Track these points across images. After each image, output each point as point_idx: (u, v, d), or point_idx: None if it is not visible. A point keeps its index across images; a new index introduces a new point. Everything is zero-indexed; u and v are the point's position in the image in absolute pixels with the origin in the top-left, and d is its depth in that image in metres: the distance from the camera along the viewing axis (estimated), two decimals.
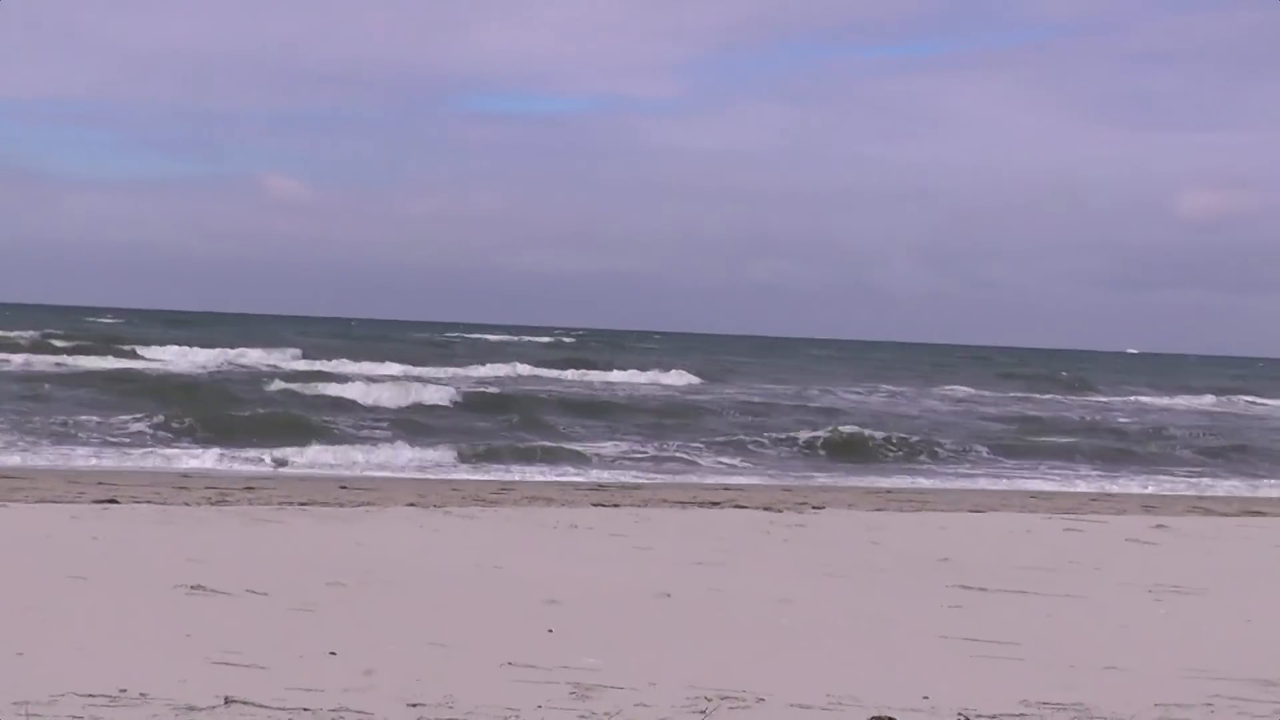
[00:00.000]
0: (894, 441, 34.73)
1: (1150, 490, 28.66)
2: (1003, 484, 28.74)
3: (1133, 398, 65.48)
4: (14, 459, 24.39)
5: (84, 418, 31.06)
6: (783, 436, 34.82)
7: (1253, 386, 77.79)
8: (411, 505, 18.47)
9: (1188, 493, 28.44)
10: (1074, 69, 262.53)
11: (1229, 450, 38.91)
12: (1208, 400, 66.76)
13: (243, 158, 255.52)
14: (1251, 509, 23.82)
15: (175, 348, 59.82)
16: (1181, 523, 20.21)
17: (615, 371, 62.57)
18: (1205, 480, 31.65)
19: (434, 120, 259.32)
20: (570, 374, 60.24)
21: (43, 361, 49.60)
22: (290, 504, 17.96)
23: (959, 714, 7.62)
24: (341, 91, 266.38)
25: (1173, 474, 32.80)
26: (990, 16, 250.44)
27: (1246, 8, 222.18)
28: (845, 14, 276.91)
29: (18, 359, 49.72)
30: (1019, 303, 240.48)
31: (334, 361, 56.68)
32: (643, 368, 63.99)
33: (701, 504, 20.57)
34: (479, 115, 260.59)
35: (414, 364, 58.05)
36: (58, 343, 58.49)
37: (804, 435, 34.89)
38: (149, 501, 17.61)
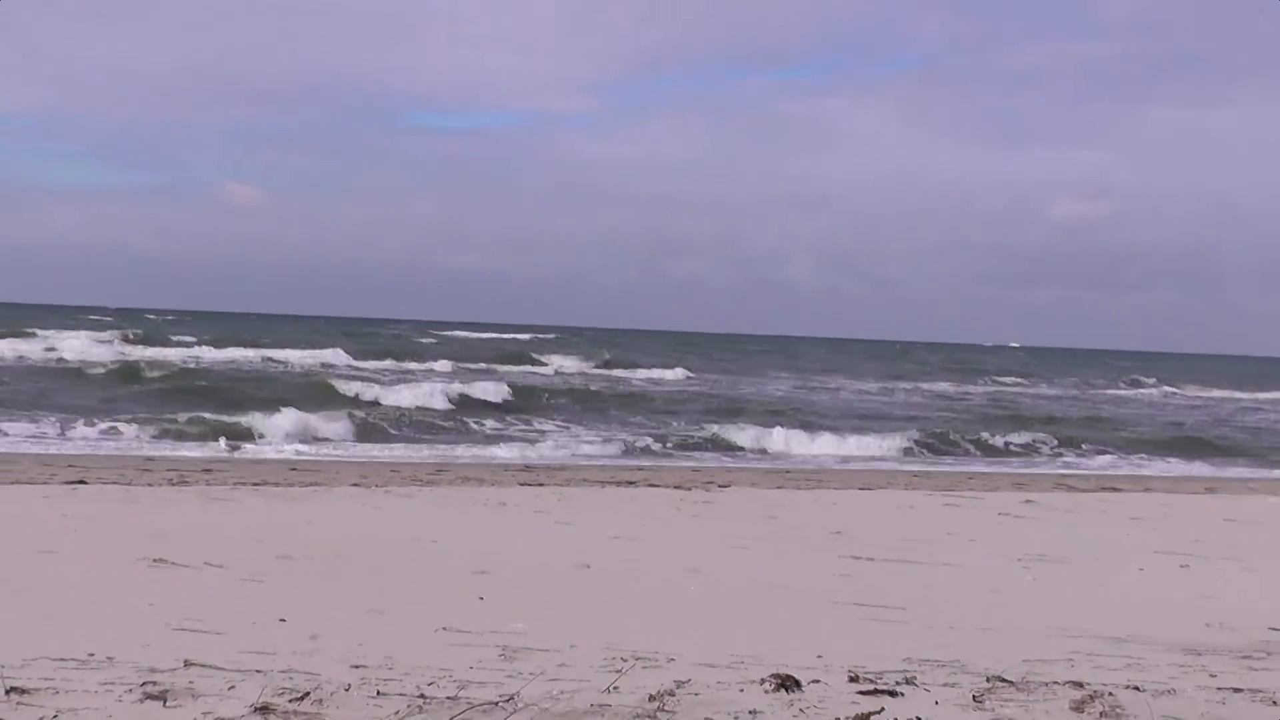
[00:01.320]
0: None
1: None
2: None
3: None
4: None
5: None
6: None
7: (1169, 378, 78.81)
8: (355, 485, 18.41)
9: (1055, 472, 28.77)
10: (951, 92, 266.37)
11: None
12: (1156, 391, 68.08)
13: (203, 167, 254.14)
14: (1108, 485, 24.16)
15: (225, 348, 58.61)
16: (1048, 498, 20.47)
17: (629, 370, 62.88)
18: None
19: (378, 134, 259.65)
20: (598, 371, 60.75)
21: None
22: (244, 484, 17.86)
23: (849, 671, 7.68)
24: (294, 107, 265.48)
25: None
26: (875, 46, 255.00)
27: (1098, 38, 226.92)
28: (748, 41, 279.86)
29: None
30: (911, 299, 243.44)
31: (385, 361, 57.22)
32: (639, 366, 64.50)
33: (619, 483, 20.61)
34: (418, 129, 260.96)
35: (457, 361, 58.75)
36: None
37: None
38: (115, 482, 17.46)
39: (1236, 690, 7.60)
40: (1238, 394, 67.38)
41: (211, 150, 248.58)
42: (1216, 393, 67.58)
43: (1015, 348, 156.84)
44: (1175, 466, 31.31)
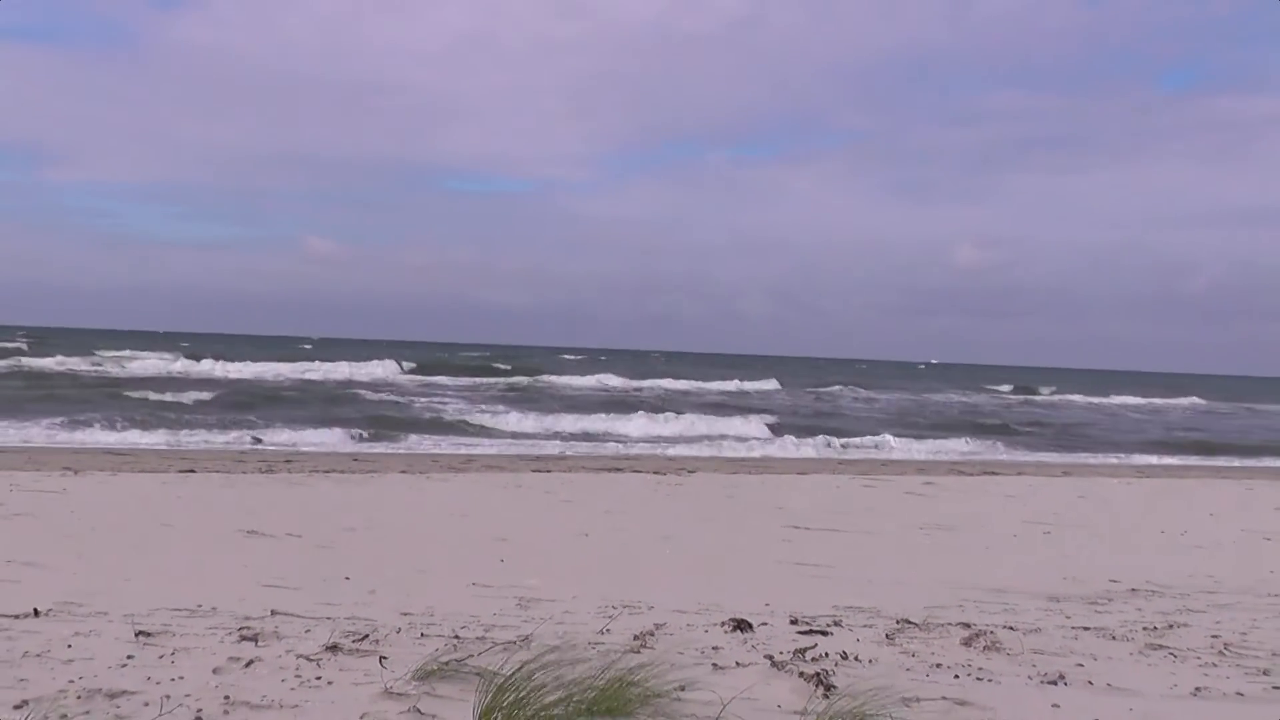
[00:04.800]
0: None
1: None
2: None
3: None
4: (125, 440, 24.03)
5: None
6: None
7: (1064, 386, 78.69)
8: (403, 472, 18.36)
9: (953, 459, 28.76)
10: (871, 164, 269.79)
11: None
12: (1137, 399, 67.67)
13: (288, 224, 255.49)
14: (990, 470, 24.19)
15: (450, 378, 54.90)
16: (943, 480, 20.49)
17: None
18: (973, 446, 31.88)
19: (423, 197, 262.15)
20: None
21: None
22: (317, 472, 17.81)
23: (790, 615, 7.70)
24: (359, 177, 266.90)
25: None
26: (809, 128, 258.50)
27: (981, 123, 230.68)
28: (710, 125, 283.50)
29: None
30: (841, 325, 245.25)
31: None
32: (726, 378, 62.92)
33: (609, 469, 20.56)
34: (455, 193, 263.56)
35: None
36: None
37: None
38: (217, 471, 17.41)
39: (1086, 628, 7.64)
40: (1100, 399, 67.61)
41: (295, 211, 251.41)
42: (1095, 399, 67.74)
43: (934, 363, 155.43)
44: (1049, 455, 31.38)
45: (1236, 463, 31.06)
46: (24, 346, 62.94)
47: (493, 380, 54.33)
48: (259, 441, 25.09)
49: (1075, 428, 42.66)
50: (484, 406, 37.69)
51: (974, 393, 66.75)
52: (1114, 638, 7.30)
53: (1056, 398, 66.90)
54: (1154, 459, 31.21)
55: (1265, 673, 6.25)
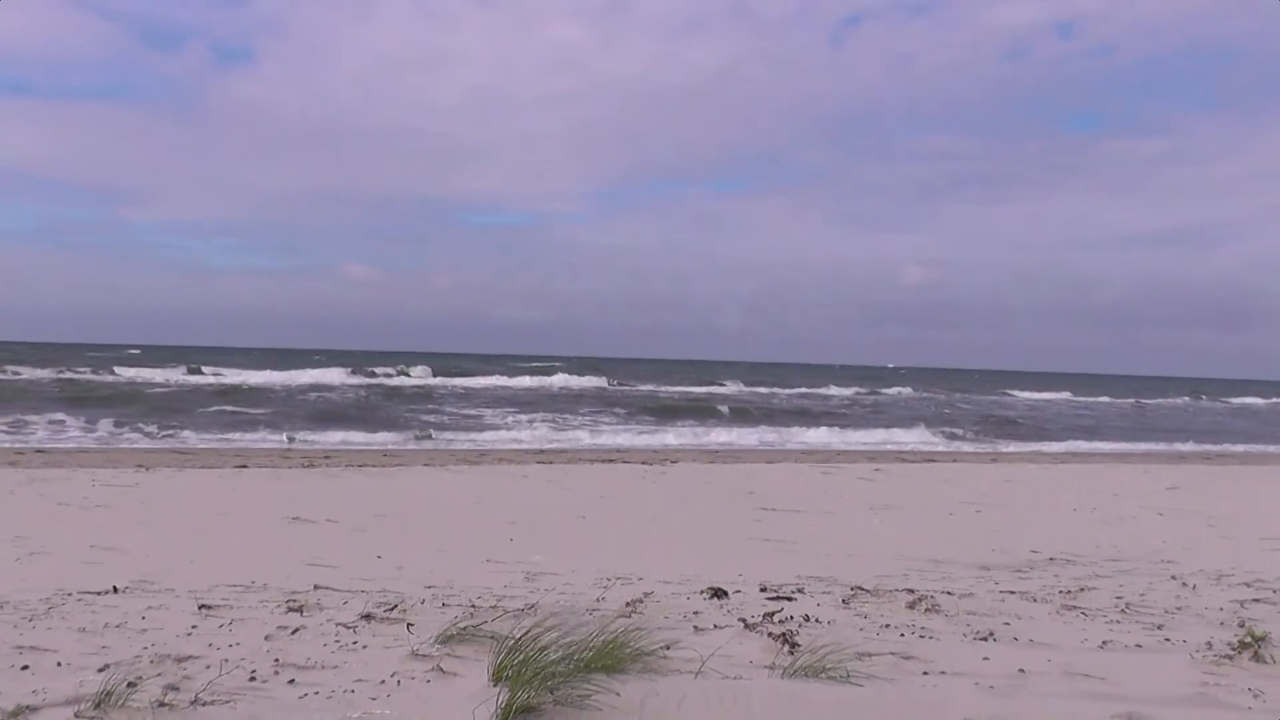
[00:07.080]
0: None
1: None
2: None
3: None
4: (188, 443, 23.93)
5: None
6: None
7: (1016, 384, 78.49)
8: (426, 465, 18.34)
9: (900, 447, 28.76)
10: (828, 196, 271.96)
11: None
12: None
13: (329, 254, 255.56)
14: (929, 458, 24.24)
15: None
16: (890, 467, 20.52)
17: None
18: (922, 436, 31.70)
19: (445, 228, 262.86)
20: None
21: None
22: (352, 466, 17.79)
23: (760, 584, 7.72)
24: (390, 211, 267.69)
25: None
26: (776, 163, 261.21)
27: (922, 161, 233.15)
28: (689, 164, 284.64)
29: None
30: (805, 336, 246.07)
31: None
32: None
33: (603, 460, 20.57)
34: (471, 226, 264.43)
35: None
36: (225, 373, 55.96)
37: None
38: (266, 466, 17.38)
39: (1011, 592, 7.68)
40: (1021, 394, 67.53)
41: (335, 242, 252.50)
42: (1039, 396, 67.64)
43: (891, 365, 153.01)
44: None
45: (1140, 449, 31.19)
46: (134, 353, 62.44)
47: (614, 389, 51.97)
48: (293, 440, 24.88)
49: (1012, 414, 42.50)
50: (620, 413, 36.38)
51: (999, 394, 65.79)
52: (1035, 600, 7.34)
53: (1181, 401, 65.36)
54: (1068, 446, 31.32)
55: (1160, 627, 6.31)
